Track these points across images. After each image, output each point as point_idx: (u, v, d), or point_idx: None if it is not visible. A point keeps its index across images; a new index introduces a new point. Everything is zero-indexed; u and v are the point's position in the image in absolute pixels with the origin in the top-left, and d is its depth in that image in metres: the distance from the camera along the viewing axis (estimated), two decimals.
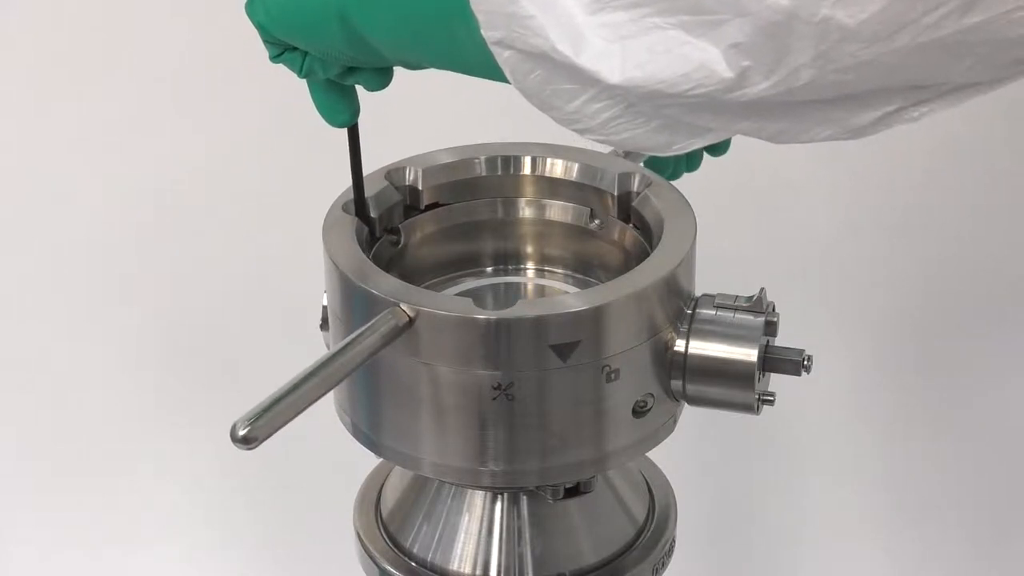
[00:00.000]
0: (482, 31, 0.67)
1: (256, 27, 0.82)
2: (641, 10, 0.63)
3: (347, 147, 0.86)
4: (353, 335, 0.77)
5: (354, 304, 0.81)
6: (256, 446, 0.71)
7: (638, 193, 0.88)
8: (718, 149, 0.99)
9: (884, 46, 0.58)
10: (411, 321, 0.79)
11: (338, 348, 0.77)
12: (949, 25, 0.57)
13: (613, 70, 0.64)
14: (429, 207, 0.92)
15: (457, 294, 0.92)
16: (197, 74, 1.47)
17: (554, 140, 0.91)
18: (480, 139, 0.94)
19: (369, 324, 0.78)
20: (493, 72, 0.69)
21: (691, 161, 0.98)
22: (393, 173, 0.91)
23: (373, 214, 0.88)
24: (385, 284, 0.80)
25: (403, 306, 0.78)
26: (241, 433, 0.70)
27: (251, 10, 0.81)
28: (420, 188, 0.91)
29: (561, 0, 0.65)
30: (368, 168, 0.88)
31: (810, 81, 0.61)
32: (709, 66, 0.62)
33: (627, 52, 0.63)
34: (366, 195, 0.88)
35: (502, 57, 0.67)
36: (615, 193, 0.89)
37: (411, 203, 0.91)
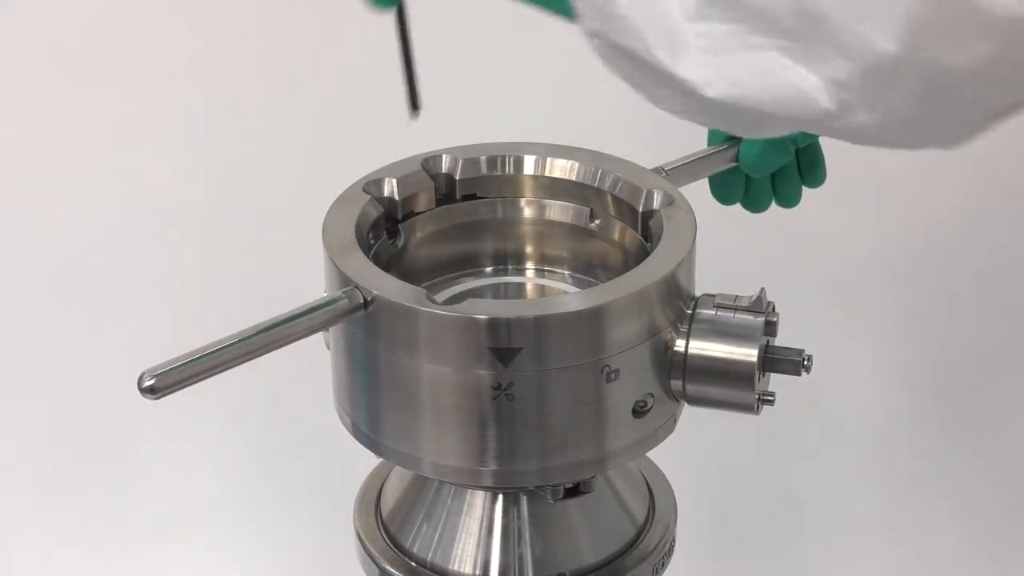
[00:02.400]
0: (577, 20, 0.66)
1: None
2: (743, 26, 0.62)
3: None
4: (298, 308, 0.78)
5: None
6: (159, 397, 0.75)
7: (657, 211, 0.88)
8: (815, 178, 1.00)
9: (988, 80, 0.58)
10: (365, 303, 0.79)
11: (274, 319, 0.78)
12: None
13: (710, 84, 0.63)
14: (466, 197, 0.92)
15: (457, 294, 0.92)
16: (199, 74, 1.47)
17: (554, 140, 0.91)
18: (480, 139, 0.94)
19: (318, 301, 0.79)
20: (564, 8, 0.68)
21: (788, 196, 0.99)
22: (430, 161, 0.91)
23: (397, 197, 0.89)
24: (385, 284, 0.80)
25: (360, 288, 0.79)
26: (146, 383, 0.74)
27: None
28: (457, 177, 0.91)
29: (662, 1, 0.64)
30: (371, 167, 0.89)
31: (913, 116, 0.60)
32: (810, 95, 0.61)
33: (725, 67, 0.63)
34: (395, 177, 0.88)
35: (594, 44, 0.66)
36: (640, 209, 0.89)
37: (447, 191, 0.91)
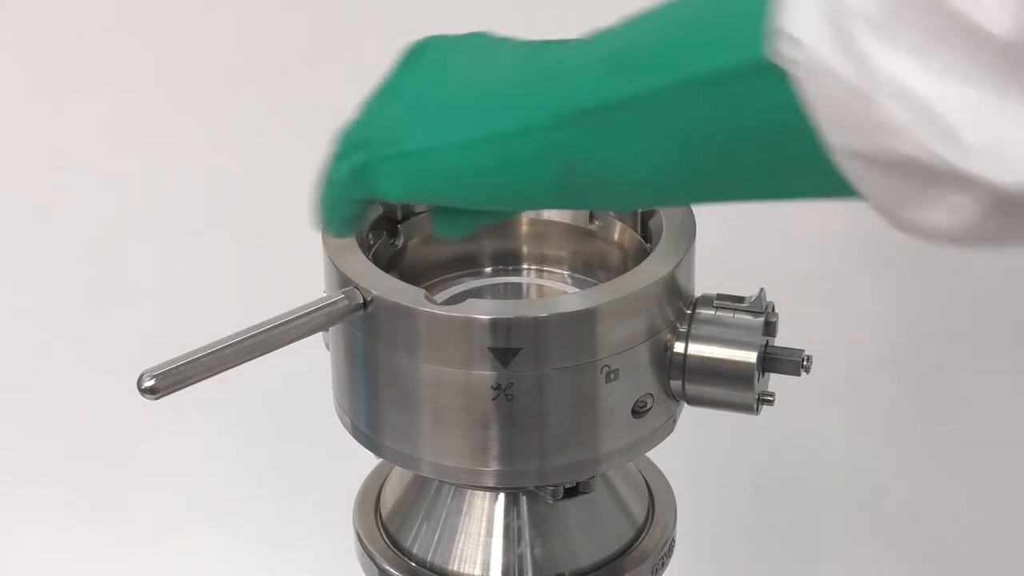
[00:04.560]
0: (827, 137, 0.56)
1: (386, 197, 0.73)
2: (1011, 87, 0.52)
3: None
4: (298, 309, 0.78)
5: None
6: (159, 397, 0.74)
7: (657, 211, 0.88)
8: None
9: None
10: (365, 304, 0.79)
11: (273, 319, 0.78)
12: None
13: (1002, 170, 0.52)
14: None
15: (457, 294, 0.92)
16: (199, 74, 1.47)
17: None
18: None
19: (318, 301, 0.78)
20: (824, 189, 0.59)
21: None
22: None
23: None
24: (384, 284, 0.80)
25: (359, 289, 0.79)
26: (146, 384, 0.74)
27: (382, 177, 0.71)
28: None
29: (920, 89, 0.53)
30: None
31: None
32: None
33: (1010, 145, 0.52)
34: None
35: (850, 168, 0.56)
36: (639, 210, 0.89)
37: None
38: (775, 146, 0.60)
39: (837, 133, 0.56)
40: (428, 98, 0.73)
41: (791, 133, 0.58)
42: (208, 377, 0.77)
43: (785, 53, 0.56)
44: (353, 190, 0.78)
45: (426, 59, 0.75)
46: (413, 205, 0.90)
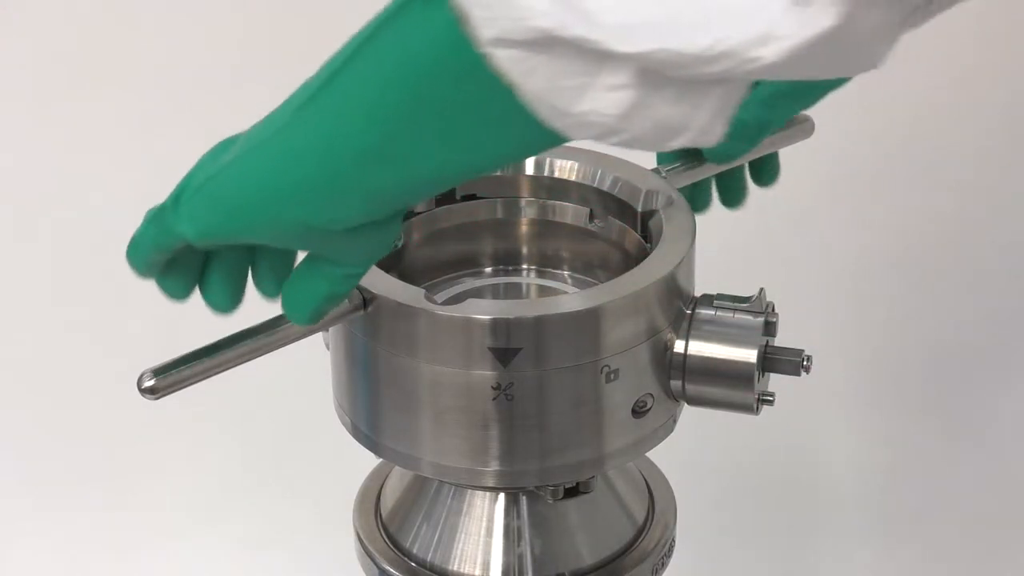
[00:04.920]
0: (477, 32, 0.60)
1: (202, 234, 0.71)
2: None
3: None
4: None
5: None
6: (159, 397, 0.74)
7: (657, 211, 0.88)
8: (767, 175, 0.96)
9: None
10: (365, 304, 0.79)
11: (274, 319, 0.78)
12: None
13: (637, 40, 0.57)
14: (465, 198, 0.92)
15: (457, 294, 0.92)
16: (199, 74, 1.47)
17: None
18: None
19: None
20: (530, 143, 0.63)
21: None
22: None
23: None
24: (385, 284, 0.80)
25: (359, 288, 0.79)
26: (146, 384, 0.74)
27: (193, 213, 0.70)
28: None
29: None
30: None
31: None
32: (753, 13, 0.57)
33: (643, 17, 0.57)
34: None
35: (500, 58, 0.60)
36: (639, 210, 0.89)
37: (447, 191, 0.91)
38: (454, 78, 0.62)
39: (485, 26, 0.59)
40: (225, 145, 0.74)
41: (460, 59, 0.61)
42: (208, 377, 0.77)
43: None
44: (156, 236, 0.76)
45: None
46: (414, 206, 0.90)
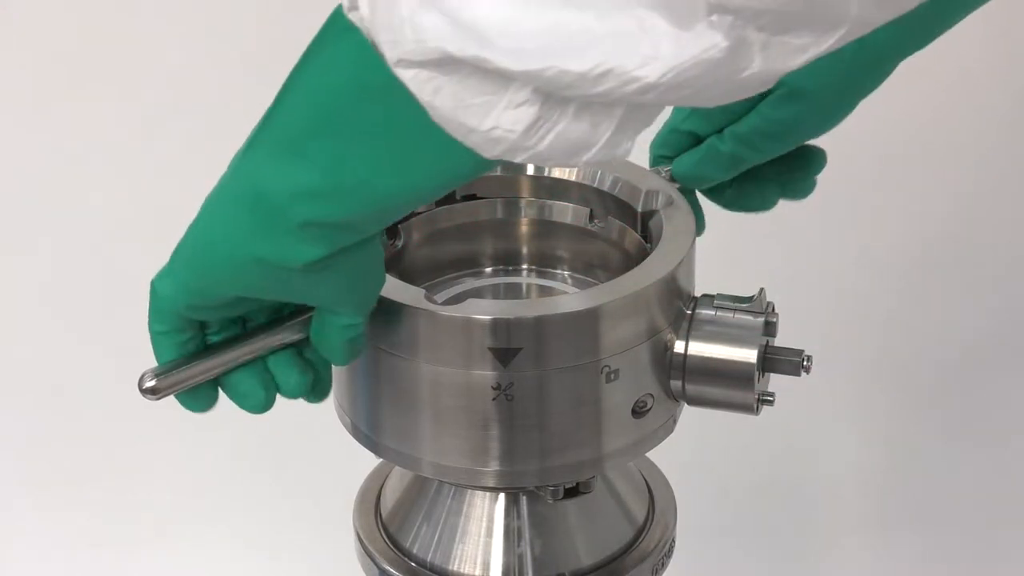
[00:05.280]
0: (385, 52, 0.64)
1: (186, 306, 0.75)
2: None
3: None
4: (299, 310, 0.78)
5: None
6: (160, 397, 0.75)
7: (657, 211, 0.88)
8: (802, 189, 0.97)
9: None
10: None
11: (267, 322, 0.78)
12: None
13: (527, 59, 0.60)
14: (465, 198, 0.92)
15: (457, 294, 0.92)
16: (200, 74, 1.47)
17: None
18: None
19: None
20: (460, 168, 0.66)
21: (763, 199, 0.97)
22: None
23: None
24: (384, 284, 0.80)
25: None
26: (147, 384, 0.75)
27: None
28: None
29: (455, 4, 0.61)
30: None
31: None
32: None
33: (530, 39, 0.60)
34: None
35: (407, 78, 0.64)
36: (639, 210, 0.89)
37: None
38: (372, 101, 0.65)
39: (390, 49, 0.63)
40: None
41: (375, 82, 0.64)
42: (209, 378, 0.77)
43: None
44: (155, 307, 0.78)
45: None
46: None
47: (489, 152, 0.64)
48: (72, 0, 1.50)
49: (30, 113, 1.51)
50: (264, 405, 0.78)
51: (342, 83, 0.66)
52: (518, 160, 0.64)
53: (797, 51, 0.60)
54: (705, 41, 0.58)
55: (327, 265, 0.71)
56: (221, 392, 0.79)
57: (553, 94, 0.62)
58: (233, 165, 0.72)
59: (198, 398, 0.78)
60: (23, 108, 1.51)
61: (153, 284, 0.76)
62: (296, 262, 0.70)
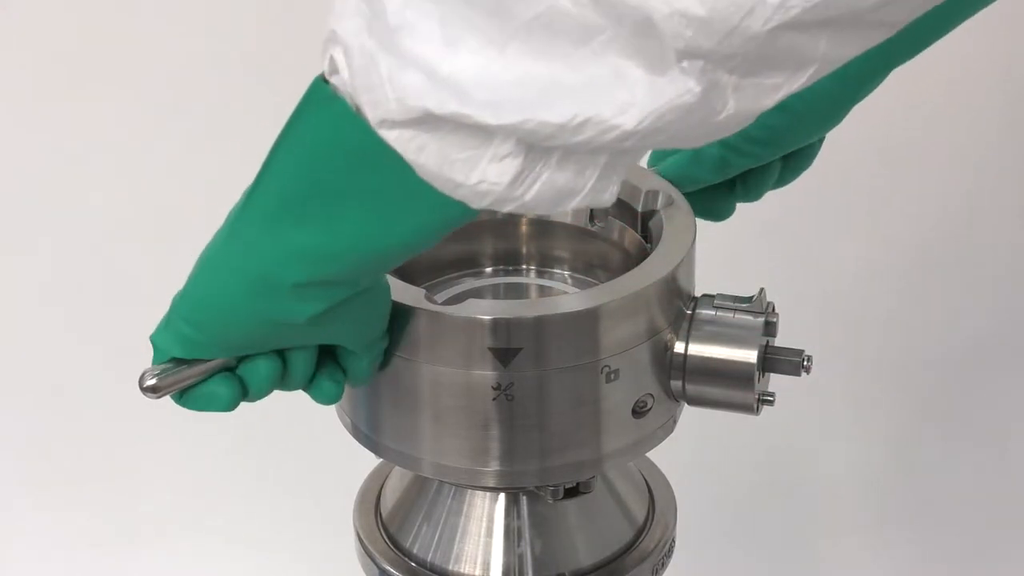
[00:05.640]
0: (367, 113, 0.64)
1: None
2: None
3: None
4: None
5: None
6: (160, 396, 0.76)
7: (657, 211, 0.88)
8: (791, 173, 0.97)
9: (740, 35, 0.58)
10: None
11: None
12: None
13: (503, 112, 0.61)
14: None
15: (457, 294, 0.92)
16: (200, 74, 1.47)
17: None
18: None
19: None
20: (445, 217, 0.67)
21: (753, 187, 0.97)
22: None
23: None
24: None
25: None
26: (148, 383, 0.75)
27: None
28: None
29: (414, 48, 0.62)
30: None
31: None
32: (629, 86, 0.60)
33: (506, 93, 0.61)
34: None
35: (391, 139, 0.64)
36: (640, 210, 0.89)
37: None
38: (359, 163, 0.66)
39: (371, 109, 0.64)
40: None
41: (361, 144, 0.65)
42: (209, 376, 0.77)
43: (331, 52, 0.66)
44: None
45: None
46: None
47: (477, 204, 0.65)
48: (72, 0, 1.50)
49: (30, 113, 1.51)
50: (269, 385, 0.78)
51: (327, 149, 0.67)
52: (506, 210, 0.65)
53: (770, 90, 0.61)
54: (679, 86, 0.59)
55: (331, 316, 0.73)
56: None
57: (536, 145, 0.63)
58: (228, 226, 0.73)
59: (215, 395, 0.77)
60: (23, 108, 1.51)
61: (153, 340, 0.76)
62: (298, 319, 0.72)
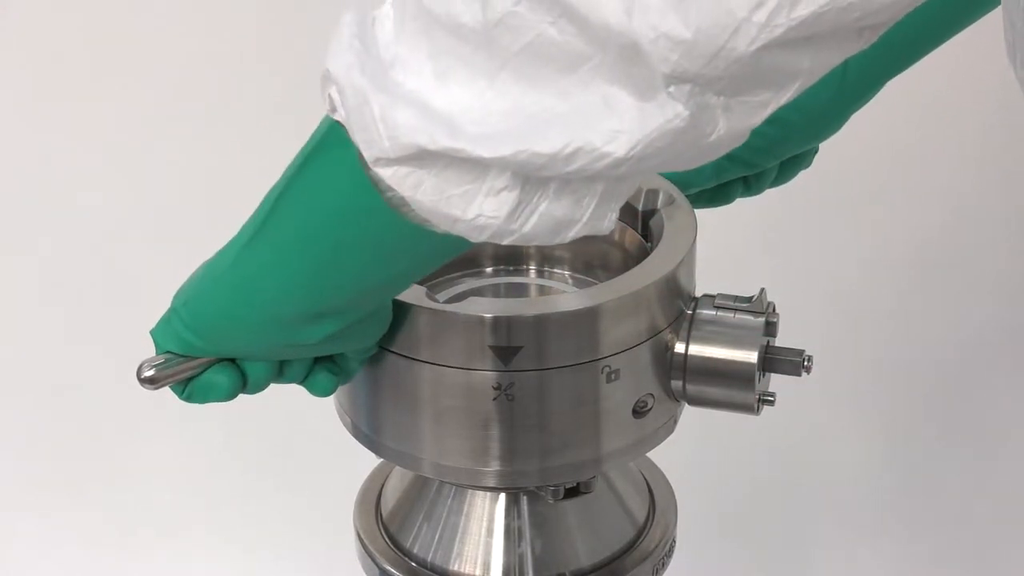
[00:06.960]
0: (363, 151, 0.65)
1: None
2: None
3: None
4: None
5: None
6: (158, 387, 0.77)
7: (657, 210, 0.88)
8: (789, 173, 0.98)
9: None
10: None
11: None
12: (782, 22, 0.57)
13: (498, 145, 0.62)
14: None
15: (458, 294, 0.92)
16: (200, 74, 1.47)
17: None
18: None
19: None
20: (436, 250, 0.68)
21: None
22: None
23: None
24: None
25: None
26: (146, 374, 0.76)
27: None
28: None
29: (406, 83, 0.63)
30: None
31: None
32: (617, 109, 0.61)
33: (499, 124, 0.62)
34: None
35: (386, 176, 0.65)
36: (640, 209, 0.89)
37: None
38: (358, 210, 0.68)
39: (366, 149, 0.64)
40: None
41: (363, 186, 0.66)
42: (207, 368, 0.77)
43: (328, 91, 0.66)
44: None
45: None
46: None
47: (475, 238, 0.66)
48: (72, 0, 1.50)
49: (30, 113, 1.51)
50: (267, 380, 0.79)
51: (334, 199, 0.68)
52: (505, 242, 0.65)
53: (759, 107, 0.61)
54: (668, 111, 0.59)
55: (339, 336, 0.74)
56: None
57: (531, 176, 0.63)
58: (235, 252, 0.74)
59: (215, 384, 0.78)
60: (23, 108, 1.51)
61: (153, 335, 0.77)
62: (308, 341, 0.74)
